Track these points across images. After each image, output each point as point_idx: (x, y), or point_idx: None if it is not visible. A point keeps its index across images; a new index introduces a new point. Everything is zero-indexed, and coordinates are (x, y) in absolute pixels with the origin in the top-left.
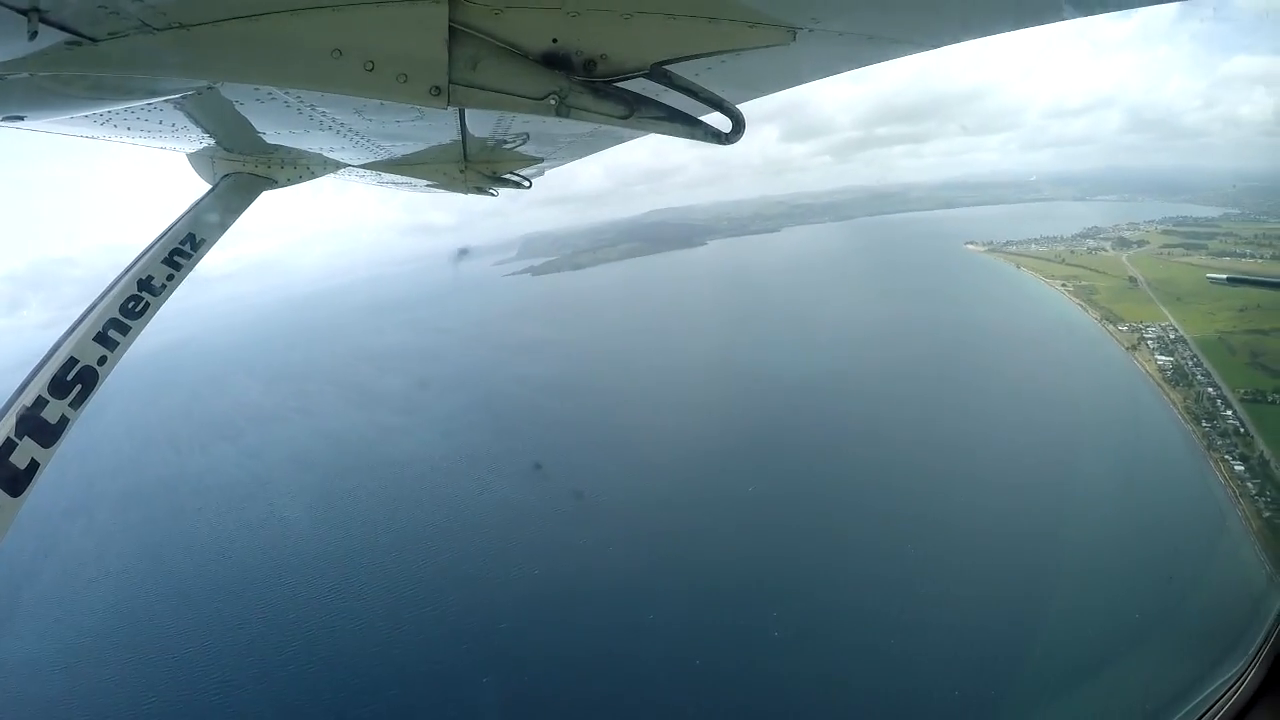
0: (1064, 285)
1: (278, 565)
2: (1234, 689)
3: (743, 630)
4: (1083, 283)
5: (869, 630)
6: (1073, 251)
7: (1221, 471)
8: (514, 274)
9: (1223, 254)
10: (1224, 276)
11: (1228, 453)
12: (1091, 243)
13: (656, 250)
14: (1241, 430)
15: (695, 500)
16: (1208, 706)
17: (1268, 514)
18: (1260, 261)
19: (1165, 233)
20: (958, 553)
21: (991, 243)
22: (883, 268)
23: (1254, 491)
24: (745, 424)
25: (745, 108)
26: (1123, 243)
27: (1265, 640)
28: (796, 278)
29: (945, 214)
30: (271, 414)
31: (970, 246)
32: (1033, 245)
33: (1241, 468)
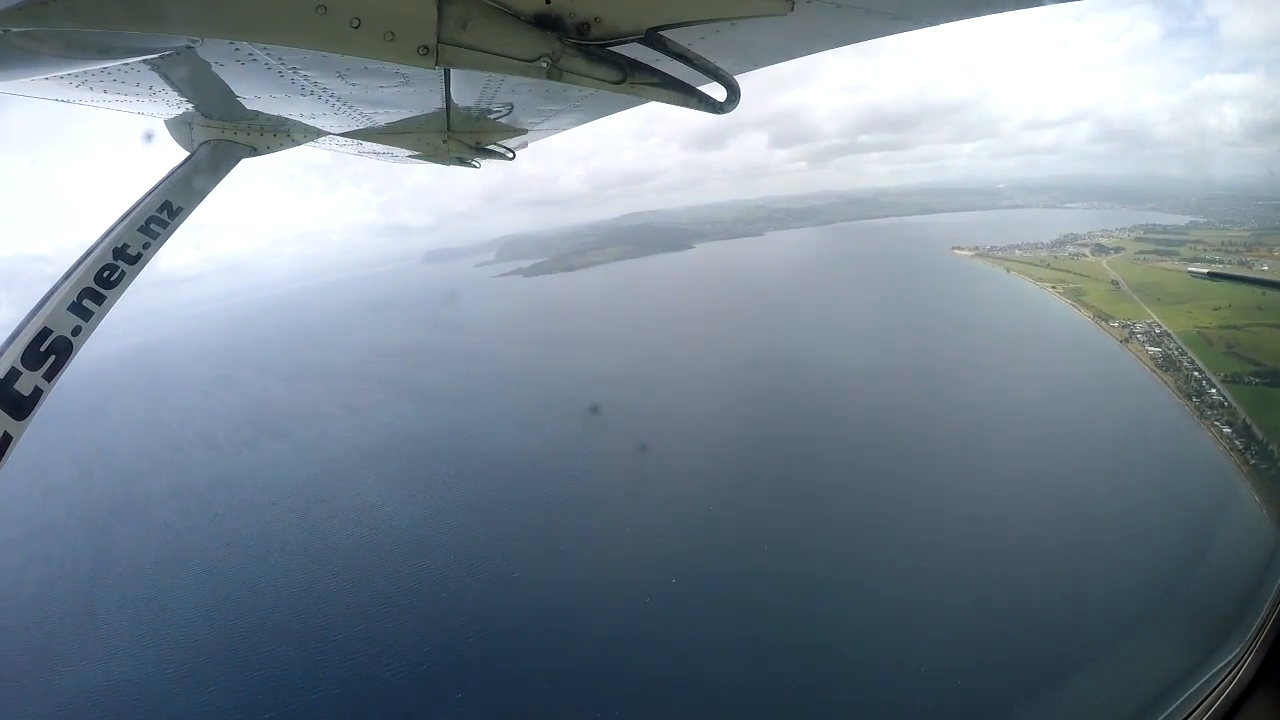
0: (1055, 288)
1: (396, 552)
2: (1230, 676)
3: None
4: (1071, 286)
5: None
6: (1055, 257)
7: (1213, 433)
8: (503, 275)
9: (1194, 259)
10: (1204, 271)
11: (1217, 420)
12: (1071, 248)
13: (645, 253)
14: (1226, 404)
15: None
16: (1205, 694)
17: (1253, 462)
18: (1229, 266)
19: (1138, 239)
20: (987, 518)
21: (978, 248)
22: (880, 272)
23: (1241, 448)
24: (825, 417)
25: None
26: (1100, 248)
27: (1261, 626)
28: (800, 282)
29: (921, 220)
30: (314, 411)
31: (958, 251)
32: (1016, 251)
33: (1229, 430)
